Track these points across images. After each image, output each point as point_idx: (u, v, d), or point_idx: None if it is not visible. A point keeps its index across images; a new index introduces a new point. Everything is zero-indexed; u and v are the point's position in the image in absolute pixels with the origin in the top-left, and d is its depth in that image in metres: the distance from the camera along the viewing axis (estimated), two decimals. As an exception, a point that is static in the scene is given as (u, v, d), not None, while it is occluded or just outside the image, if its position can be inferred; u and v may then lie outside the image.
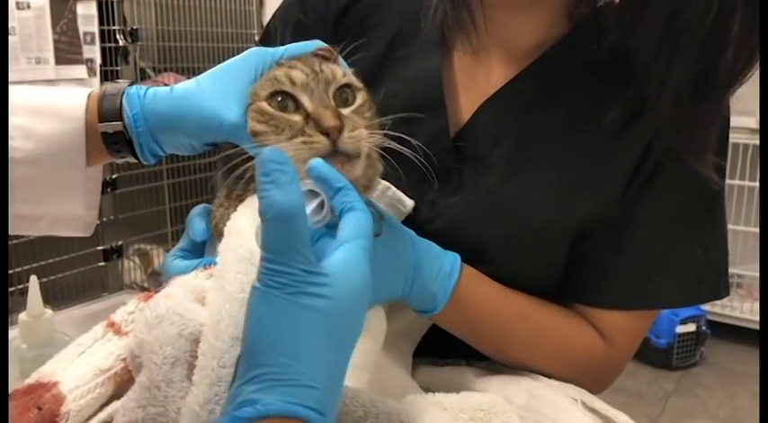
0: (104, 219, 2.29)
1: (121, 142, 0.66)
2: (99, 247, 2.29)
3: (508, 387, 0.73)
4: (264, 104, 0.63)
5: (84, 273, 2.23)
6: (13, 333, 0.75)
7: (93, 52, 2.19)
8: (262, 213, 0.48)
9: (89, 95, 0.66)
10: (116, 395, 0.61)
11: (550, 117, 0.80)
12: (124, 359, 0.61)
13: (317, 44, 0.69)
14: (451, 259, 0.75)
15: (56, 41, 2.08)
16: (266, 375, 0.44)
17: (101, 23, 2.19)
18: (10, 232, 0.68)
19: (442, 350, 0.83)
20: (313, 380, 0.45)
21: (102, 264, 2.30)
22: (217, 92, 0.64)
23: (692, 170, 0.74)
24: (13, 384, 0.62)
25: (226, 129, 0.64)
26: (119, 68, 2.26)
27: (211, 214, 0.73)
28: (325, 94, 0.63)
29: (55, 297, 2.05)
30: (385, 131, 0.64)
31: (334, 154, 0.59)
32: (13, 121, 0.63)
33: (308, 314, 0.46)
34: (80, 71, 2.15)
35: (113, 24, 2.23)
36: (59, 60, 2.09)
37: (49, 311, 0.74)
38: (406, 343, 0.80)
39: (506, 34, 0.82)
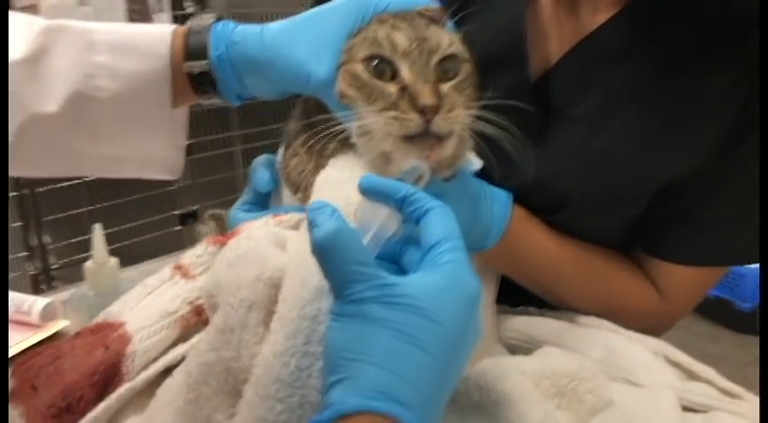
0: (180, 184, 2.34)
1: (207, 82, 0.63)
2: (175, 212, 2.35)
3: (583, 341, 0.69)
4: (359, 68, 0.58)
5: (161, 236, 2.29)
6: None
7: (163, 20, 2.22)
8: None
9: (174, 32, 0.63)
10: (181, 338, 0.60)
11: (642, 67, 0.74)
12: (191, 303, 0.60)
13: (425, 1, 0.64)
14: (504, 196, 0.72)
15: (128, 11, 2.12)
16: (346, 379, 0.41)
17: (170, -9, 2.22)
18: (96, 174, 0.68)
19: (513, 296, 0.80)
20: (400, 381, 0.41)
21: (178, 228, 2.36)
22: (309, 42, 0.60)
23: None
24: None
25: (313, 84, 0.60)
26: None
27: (278, 163, 0.70)
28: (427, 65, 0.58)
29: (133, 261, 2.12)
30: (480, 113, 0.58)
31: (425, 135, 0.55)
32: (97, 59, 0.61)
33: (382, 329, 0.42)
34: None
35: (182, -9, 2.26)
36: (132, 29, 2.12)
37: (113, 259, 0.74)
38: (487, 293, 0.76)
39: None
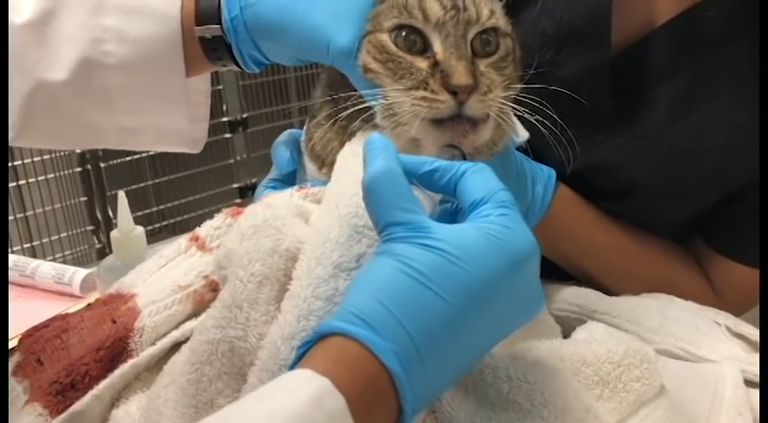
0: (237, 157, 2.35)
1: (221, 48, 0.59)
2: (234, 185, 2.37)
3: (636, 309, 0.64)
4: (386, 38, 0.52)
5: (222, 210, 2.30)
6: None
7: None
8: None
9: None
10: (194, 314, 0.56)
11: (738, 51, 0.66)
12: (205, 277, 0.55)
13: None
14: (548, 175, 0.67)
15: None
16: (342, 304, 0.39)
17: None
18: (114, 147, 0.66)
19: (560, 271, 0.75)
20: (387, 312, 0.37)
21: (238, 200, 2.37)
22: (330, 5, 0.55)
23: None
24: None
25: (332, 53, 0.55)
26: None
27: (303, 137, 0.65)
28: (463, 39, 0.52)
29: (195, 233, 2.15)
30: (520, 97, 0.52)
31: (458, 118, 0.50)
32: (105, 21, 0.58)
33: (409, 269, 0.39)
34: None
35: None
36: None
37: (139, 228, 0.72)
38: None
39: None
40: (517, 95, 0.54)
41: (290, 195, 0.55)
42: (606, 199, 0.72)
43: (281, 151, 0.66)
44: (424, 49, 0.52)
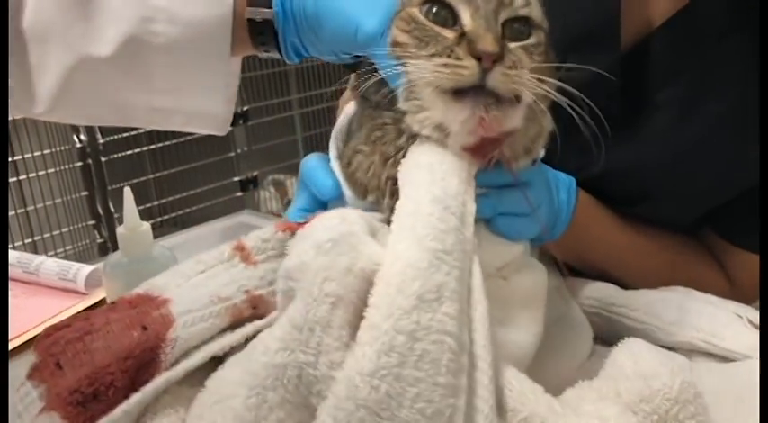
0: (239, 150, 2.34)
1: (268, 32, 0.59)
2: (235, 178, 2.35)
3: (656, 302, 0.63)
4: (416, 11, 0.51)
5: (223, 203, 2.30)
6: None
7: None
8: None
9: None
10: (229, 328, 0.52)
11: (739, 49, 0.65)
12: (247, 292, 0.52)
13: None
14: (568, 182, 0.65)
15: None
16: None
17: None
18: (141, 126, 0.65)
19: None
20: None
21: (239, 194, 2.36)
22: None
23: None
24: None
25: (360, 39, 0.54)
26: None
27: (333, 161, 0.61)
28: (494, 15, 0.49)
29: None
30: (559, 84, 0.49)
31: (479, 90, 0.47)
32: (155, 1, 0.57)
33: None
34: None
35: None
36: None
37: (146, 224, 0.71)
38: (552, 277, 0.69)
39: None
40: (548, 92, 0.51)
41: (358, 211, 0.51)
42: (618, 204, 0.71)
43: (320, 177, 0.60)
44: (454, 23, 0.50)
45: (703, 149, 0.66)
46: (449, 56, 0.47)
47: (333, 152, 0.60)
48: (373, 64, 0.54)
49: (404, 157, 0.52)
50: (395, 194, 0.49)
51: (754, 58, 0.64)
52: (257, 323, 0.51)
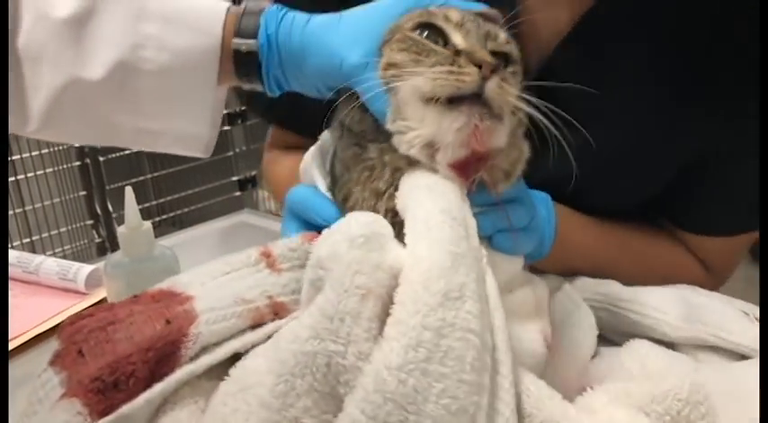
0: (237, 150, 2.34)
1: (251, 63, 0.61)
2: (234, 178, 2.35)
3: (661, 298, 0.64)
4: (409, 33, 0.54)
5: (221, 202, 2.29)
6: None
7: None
8: None
9: (228, 10, 0.62)
10: (248, 329, 0.53)
11: (634, 48, 0.71)
12: (270, 297, 0.53)
13: (482, 6, 0.60)
14: (544, 198, 0.68)
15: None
16: None
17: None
18: (127, 147, 0.67)
19: None
20: None
21: (237, 194, 2.36)
22: (350, 30, 0.57)
23: None
24: (120, 297, 0.58)
25: (345, 70, 0.56)
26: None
27: (323, 188, 0.60)
28: (483, 40, 0.54)
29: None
30: (537, 102, 0.52)
31: (476, 99, 0.49)
32: (147, 28, 0.60)
33: None
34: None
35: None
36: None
37: (147, 224, 0.71)
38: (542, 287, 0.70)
39: None
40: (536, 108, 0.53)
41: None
42: (579, 208, 0.76)
43: (319, 203, 0.59)
44: (445, 45, 0.53)
45: (622, 154, 0.72)
46: (451, 64, 0.50)
47: (317, 177, 0.61)
48: (355, 94, 0.55)
49: (396, 189, 0.53)
50: (396, 226, 0.49)
51: (648, 68, 0.71)
52: (279, 322, 0.51)
